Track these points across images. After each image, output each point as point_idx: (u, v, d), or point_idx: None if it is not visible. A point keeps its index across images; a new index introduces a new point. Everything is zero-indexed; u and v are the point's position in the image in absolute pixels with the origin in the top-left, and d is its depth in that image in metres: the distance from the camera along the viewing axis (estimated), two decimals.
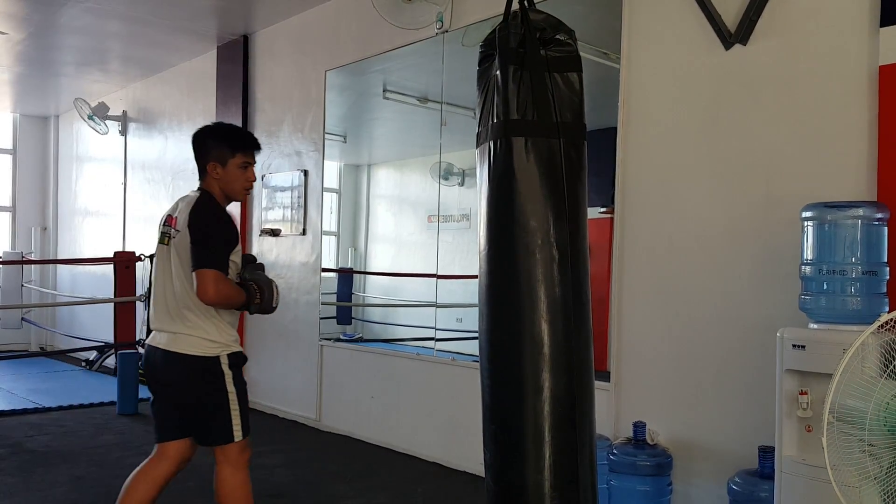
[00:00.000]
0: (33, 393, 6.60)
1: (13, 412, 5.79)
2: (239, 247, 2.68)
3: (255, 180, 2.75)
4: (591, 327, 2.08)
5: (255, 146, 2.75)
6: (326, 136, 5.60)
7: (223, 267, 2.55)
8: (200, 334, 2.59)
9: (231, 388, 2.62)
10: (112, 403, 6.01)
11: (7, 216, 9.91)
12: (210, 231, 2.58)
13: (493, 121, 2.07)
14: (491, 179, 2.06)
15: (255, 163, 2.73)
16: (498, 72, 2.06)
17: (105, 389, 6.68)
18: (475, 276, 2.16)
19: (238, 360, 2.67)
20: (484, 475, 2.09)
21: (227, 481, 2.66)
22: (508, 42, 2.06)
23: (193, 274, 2.53)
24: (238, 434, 2.63)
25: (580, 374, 2.03)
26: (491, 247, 2.08)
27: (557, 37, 2.10)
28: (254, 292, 2.64)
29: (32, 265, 9.44)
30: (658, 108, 3.47)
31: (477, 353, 2.16)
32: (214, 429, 2.64)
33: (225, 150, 2.65)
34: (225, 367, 2.61)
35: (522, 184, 2.02)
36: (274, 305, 2.72)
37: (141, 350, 7.13)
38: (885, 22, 2.72)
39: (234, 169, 2.65)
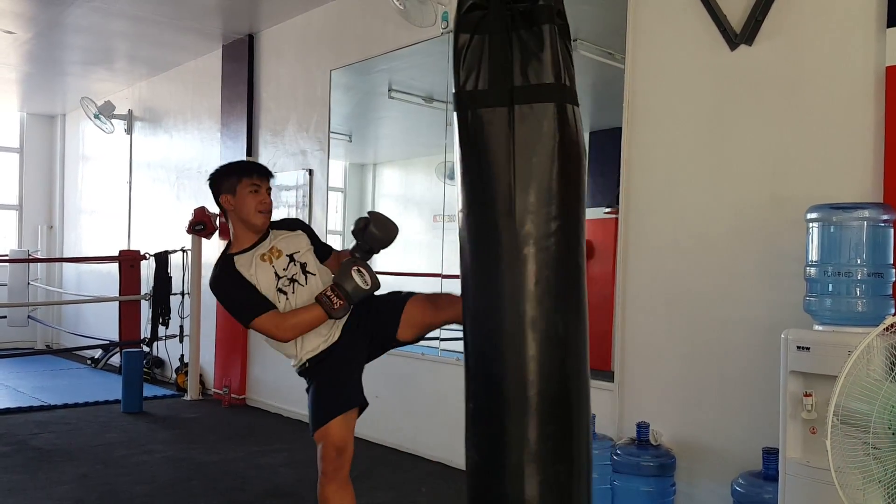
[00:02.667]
0: (39, 391, 6.63)
1: (19, 410, 5.81)
2: (255, 268, 2.71)
3: (270, 204, 2.79)
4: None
5: (261, 171, 2.82)
6: (332, 135, 5.60)
7: (260, 310, 2.64)
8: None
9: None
10: (117, 402, 6.03)
11: (14, 214, 9.95)
12: (225, 297, 2.76)
13: (520, 81, 1.90)
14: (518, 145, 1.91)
15: (265, 187, 2.78)
16: (533, 27, 1.90)
17: (110, 388, 6.70)
18: None
19: (312, 363, 2.71)
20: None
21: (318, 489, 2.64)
22: None
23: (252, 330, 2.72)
24: (310, 429, 2.65)
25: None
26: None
27: None
28: (327, 301, 2.59)
29: (38, 263, 9.48)
30: (663, 108, 3.46)
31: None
32: None
33: (232, 178, 2.78)
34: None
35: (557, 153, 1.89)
36: (363, 291, 2.63)
37: (146, 349, 7.16)
38: (891, 22, 2.71)
39: (243, 194, 2.74)
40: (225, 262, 2.73)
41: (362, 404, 2.70)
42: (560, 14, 1.95)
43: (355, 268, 2.63)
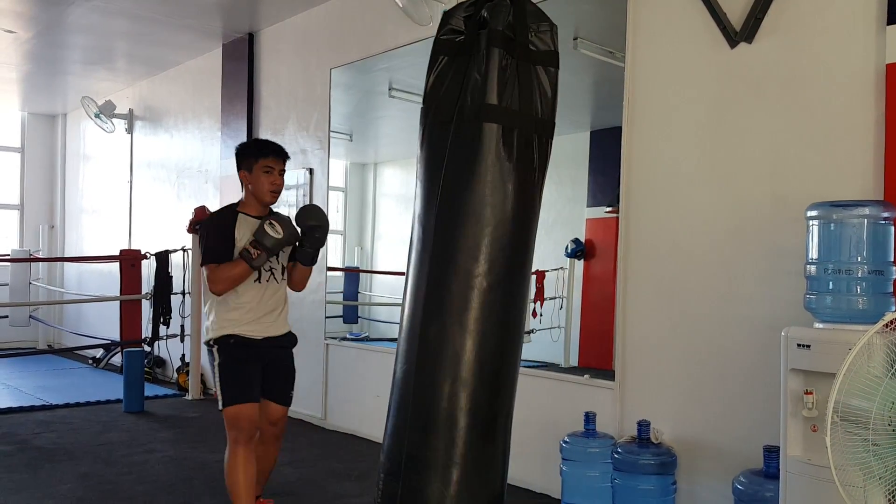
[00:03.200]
0: (40, 390, 6.64)
1: (21, 409, 5.82)
2: (248, 234, 3.07)
3: (280, 184, 3.17)
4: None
5: (278, 153, 3.17)
6: (332, 134, 5.60)
7: (218, 260, 3.04)
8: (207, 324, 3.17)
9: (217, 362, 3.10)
10: (118, 401, 6.03)
11: (15, 214, 9.96)
12: (207, 234, 3.15)
13: (466, 101, 2.04)
14: (451, 160, 2.04)
15: (278, 169, 3.15)
16: (483, 51, 2.02)
17: (111, 387, 6.71)
18: None
19: (227, 340, 3.08)
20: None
21: (225, 456, 3.08)
22: (498, 23, 2.02)
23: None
24: (220, 403, 3.05)
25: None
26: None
27: (542, 29, 2.07)
28: (247, 254, 2.99)
29: (40, 263, 9.49)
30: (663, 106, 3.46)
31: None
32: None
33: (250, 157, 3.15)
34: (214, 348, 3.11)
35: (490, 172, 2.00)
36: (276, 239, 3.01)
37: (147, 348, 7.16)
38: (892, 20, 2.71)
39: (258, 173, 3.12)
40: (229, 212, 3.16)
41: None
42: (510, 40, 2.02)
43: (268, 223, 3.03)
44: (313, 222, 3.14)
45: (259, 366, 3.12)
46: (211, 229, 3.15)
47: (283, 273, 3.22)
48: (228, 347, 3.07)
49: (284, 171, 3.19)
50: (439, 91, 2.05)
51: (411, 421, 2.02)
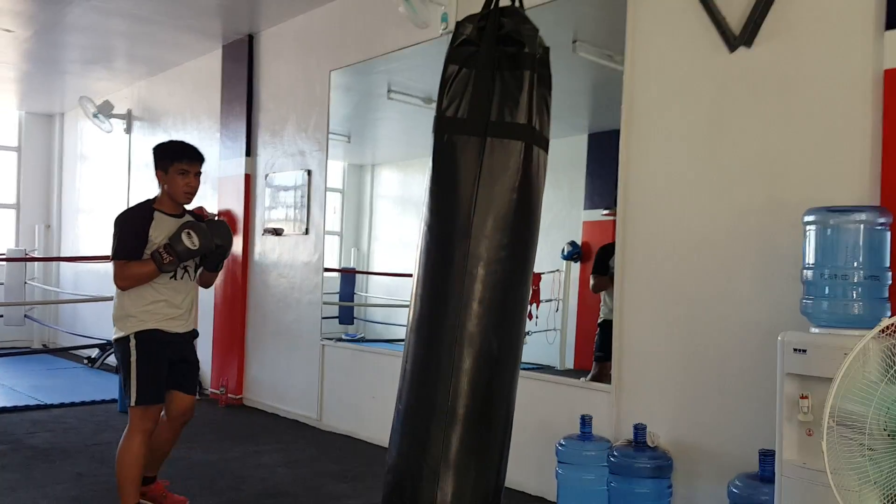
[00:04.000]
0: (35, 390, 6.62)
1: (15, 409, 5.80)
2: (163, 233, 3.19)
3: (196, 186, 3.33)
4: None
5: (192, 157, 3.32)
6: (330, 135, 5.60)
7: (128, 256, 3.16)
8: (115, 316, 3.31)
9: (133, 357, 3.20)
10: (113, 401, 6.02)
11: (11, 213, 9.94)
12: (119, 229, 3.25)
13: (500, 118, 2.06)
14: (485, 175, 2.07)
15: (193, 171, 3.31)
16: (517, 72, 2.05)
17: (107, 387, 6.69)
18: None
19: (147, 335, 3.21)
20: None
21: (122, 442, 3.21)
22: (535, 49, 2.06)
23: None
24: (132, 400, 3.16)
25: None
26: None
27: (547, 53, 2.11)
28: (158, 257, 3.10)
29: (36, 262, 9.47)
30: (661, 110, 3.46)
31: None
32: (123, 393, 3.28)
33: (165, 159, 3.30)
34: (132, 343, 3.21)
35: (521, 188, 2.04)
36: (190, 250, 3.14)
37: None
38: (890, 25, 2.72)
39: (174, 175, 3.27)
40: (146, 208, 3.28)
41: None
42: (543, 63, 2.09)
43: (186, 231, 3.15)
44: (219, 241, 3.28)
45: (168, 361, 3.28)
46: (125, 225, 3.24)
47: (196, 271, 3.37)
48: (147, 343, 3.20)
49: (200, 172, 3.33)
50: (459, 103, 2.07)
51: (446, 420, 2.01)
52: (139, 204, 3.38)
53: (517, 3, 2.17)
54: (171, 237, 3.14)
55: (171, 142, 3.45)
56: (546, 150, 2.14)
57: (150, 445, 3.24)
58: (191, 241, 3.13)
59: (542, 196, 2.18)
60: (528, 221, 2.11)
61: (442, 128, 2.10)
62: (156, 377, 3.21)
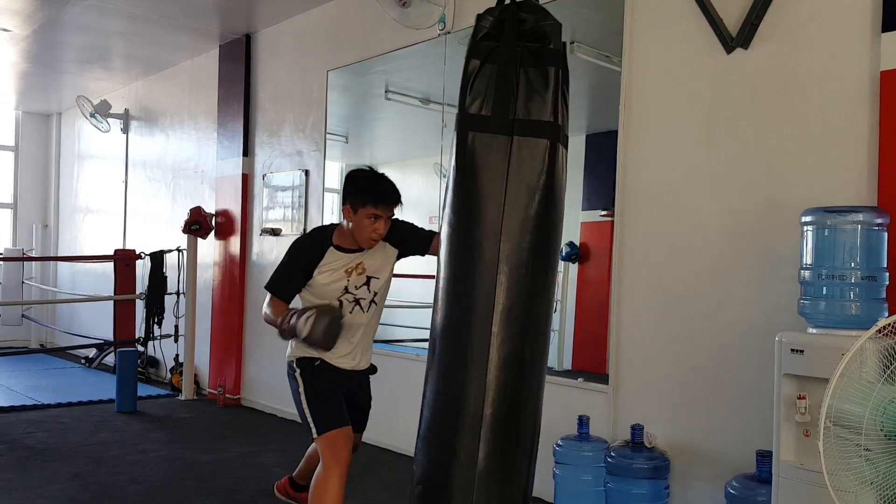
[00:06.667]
0: (32, 390, 6.61)
1: (12, 409, 5.79)
2: (326, 269, 2.81)
3: (383, 232, 2.80)
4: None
5: (388, 201, 2.78)
6: (328, 136, 5.60)
7: (277, 290, 2.83)
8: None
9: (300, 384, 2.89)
10: (111, 401, 6.01)
11: (8, 213, 9.93)
12: (287, 256, 2.88)
13: (524, 115, 2.02)
14: (513, 173, 2.03)
15: (385, 217, 2.78)
16: (544, 68, 2.02)
17: (104, 387, 6.68)
18: None
19: (306, 362, 2.87)
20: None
21: (314, 477, 2.76)
22: (560, 44, 2.02)
23: None
24: (314, 430, 2.78)
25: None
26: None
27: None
28: (283, 320, 2.71)
29: (33, 262, 9.45)
30: (659, 111, 3.47)
31: None
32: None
33: (357, 199, 2.77)
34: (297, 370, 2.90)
35: (547, 186, 2.01)
36: (299, 334, 2.68)
37: (141, 348, 7.14)
38: (886, 27, 2.72)
39: (362, 218, 2.77)
40: (321, 244, 2.84)
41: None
42: (565, 59, 2.05)
43: (308, 314, 2.66)
44: (319, 336, 2.71)
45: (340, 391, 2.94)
46: (293, 258, 2.86)
47: (370, 303, 2.88)
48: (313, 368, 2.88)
49: (393, 216, 2.82)
50: (483, 100, 2.03)
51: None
52: (318, 231, 2.94)
53: None
54: (301, 312, 2.69)
55: (368, 176, 2.86)
56: (567, 147, 2.08)
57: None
58: (304, 327, 2.65)
59: (565, 195, 2.13)
60: (554, 222, 2.05)
61: (466, 125, 2.02)
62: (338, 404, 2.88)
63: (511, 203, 1.98)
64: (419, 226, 2.99)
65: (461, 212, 2.04)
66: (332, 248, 2.82)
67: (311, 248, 2.85)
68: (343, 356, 2.89)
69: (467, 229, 2.03)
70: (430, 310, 2.23)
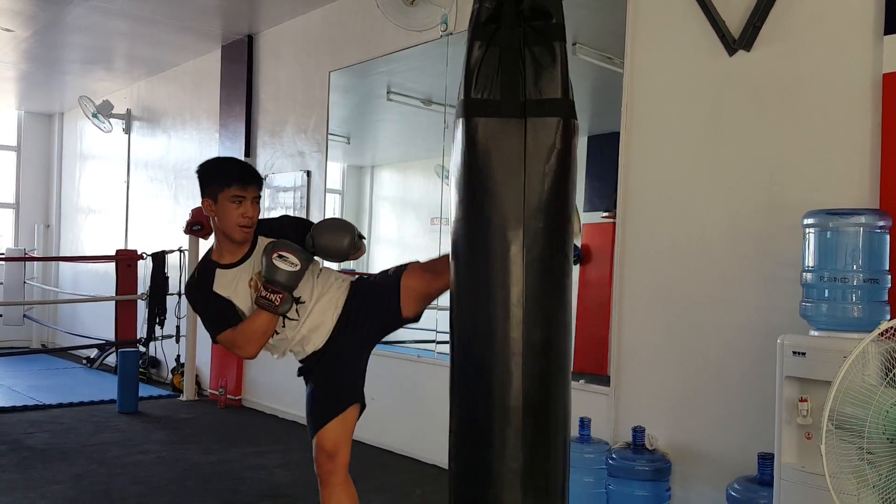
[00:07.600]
0: (34, 390, 6.61)
1: (13, 409, 5.79)
2: (233, 286, 2.53)
3: (252, 215, 2.51)
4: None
5: (247, 179, 2.53)
6: (330, 137, 5.60)
7: (224, 326, 2.50)
8: None
9: None
10: (112, 402, 6.01)
11: (10, 213, 9.94)
12: (195, 307, 2.63)
13: (535, 95, 1.95)
14: (531, 155, 1.94)
15: (250, 197, 2.51)
16: (549, 44, 1.95)
17: (105, 387, 6.68)
18: None
19: (305, 362, 2.71)
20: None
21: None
22: (561, 17, 1.97)
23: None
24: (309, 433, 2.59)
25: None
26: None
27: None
28: (266, 302, 2.43)
29: (35, 262, 9.46)
30: (661, 113, 3.47)
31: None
32: None
33: (213, 185, 2.53)
34: None
35: (562, 164, 1.94)
36: (293, 273, 2.43)
37: (142, 349, 7.15)
38: (889, 30, 2.72)
39: (226, 205, 2.49)
40: (205, 275, 2.53)
41: (356, 403, 2.62)
42: (565, 31, 2.00)
43: (275, 255, 2.42)
44: (326, 240, 2.52)
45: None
46: (197, 302, 2.59)
47: (298, 303, 2.57)
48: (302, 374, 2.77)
49: (259, 197, 2.55)
50: (490, 85, 1.98)
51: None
52: (197, 266, 2.63)
53: None
54: (265, 270, 2.43)
55: (220, 160, 2.68)
56: (576, 118, 2.00)
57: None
58: (289, 263, 2.42)
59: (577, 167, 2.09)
60: (566, 200, 1.97)
61: (472, 112, 1.93)
62: (319, 399, 2.68)
63: (530, 188, 1.92)
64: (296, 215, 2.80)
65: (476, 202, 1.97)
66: (216, 271, 2.52)
67: (200, 282, 2.54)
68: (306, 351, 2.67)
69: (482, 219, 1.98)
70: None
